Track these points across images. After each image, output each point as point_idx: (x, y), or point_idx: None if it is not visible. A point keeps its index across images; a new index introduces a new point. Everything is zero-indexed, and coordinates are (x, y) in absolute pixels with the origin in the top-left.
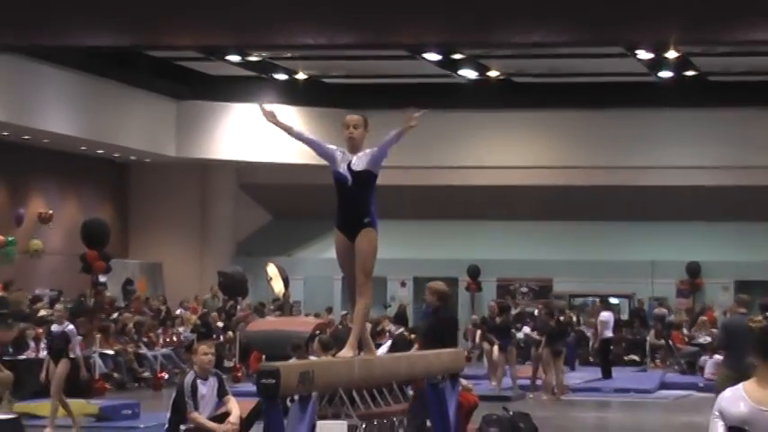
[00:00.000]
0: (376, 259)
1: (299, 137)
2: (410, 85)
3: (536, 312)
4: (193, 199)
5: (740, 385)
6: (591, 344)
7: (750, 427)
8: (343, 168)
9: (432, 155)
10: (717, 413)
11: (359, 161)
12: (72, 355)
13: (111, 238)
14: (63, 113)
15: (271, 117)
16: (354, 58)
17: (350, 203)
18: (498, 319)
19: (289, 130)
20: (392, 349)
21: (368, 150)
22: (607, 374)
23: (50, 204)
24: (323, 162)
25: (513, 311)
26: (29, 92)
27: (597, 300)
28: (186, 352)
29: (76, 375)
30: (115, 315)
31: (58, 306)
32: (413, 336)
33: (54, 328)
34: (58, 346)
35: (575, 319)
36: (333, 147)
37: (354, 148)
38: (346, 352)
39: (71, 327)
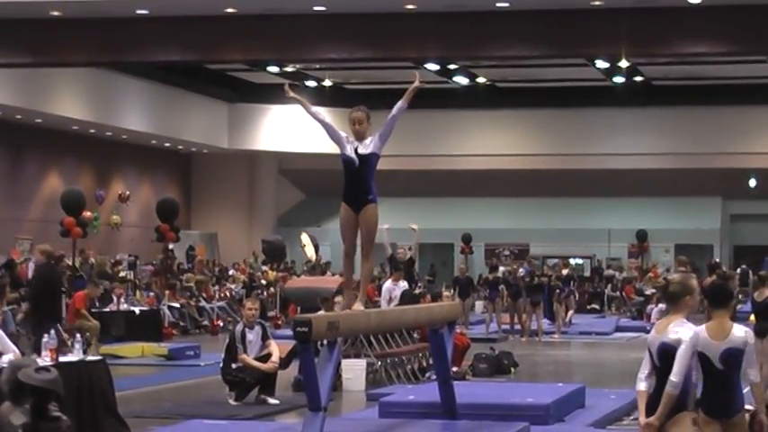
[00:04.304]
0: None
1: (314, 115)
2: None
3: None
4: (242, 182)
5: (657, 321)
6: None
7: (650, 347)
8: (350, 152)
9: (432, 145)
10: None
11: (365, 147)
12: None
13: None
14: (138, 114)
15: (290, 93)
16: (370, 68)
17: (356, 182)
18: (491, 276)
19: (304, 105)
20: (401, 302)
21: (371, 137)
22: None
23: (128, 187)
24: None
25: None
26: (111, 97)
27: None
28: (237, 304)
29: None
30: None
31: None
32: (417, 291)
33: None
34: None
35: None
36: (343, 133)
37: (360, 138)
38: (357, 305)
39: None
